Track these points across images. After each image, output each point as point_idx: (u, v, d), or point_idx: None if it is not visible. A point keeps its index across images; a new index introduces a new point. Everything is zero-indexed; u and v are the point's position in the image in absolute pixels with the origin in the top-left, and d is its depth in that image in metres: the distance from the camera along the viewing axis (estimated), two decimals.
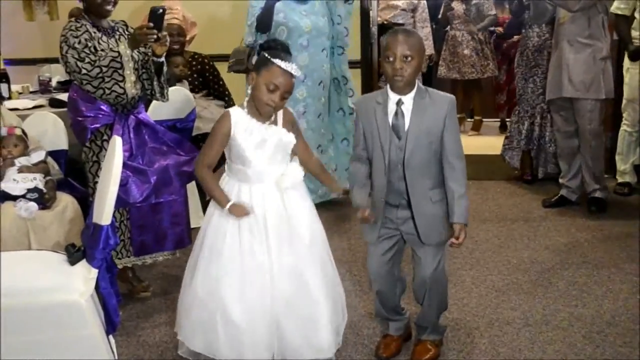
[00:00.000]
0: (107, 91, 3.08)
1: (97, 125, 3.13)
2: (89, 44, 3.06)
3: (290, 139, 2.58)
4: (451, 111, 2.43)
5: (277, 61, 2.45)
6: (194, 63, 4.76)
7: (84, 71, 3.02)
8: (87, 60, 3.02)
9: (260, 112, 2.52)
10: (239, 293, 2.50)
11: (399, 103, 2.43)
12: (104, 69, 3.03)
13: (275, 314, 2.52)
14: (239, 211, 2.51)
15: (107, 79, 3.05)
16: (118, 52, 3.07)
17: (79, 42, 3.04)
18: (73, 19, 3.17)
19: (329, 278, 2.63)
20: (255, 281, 2.51)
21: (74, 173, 3.45)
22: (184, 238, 3.41)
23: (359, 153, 2.58)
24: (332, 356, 2.63)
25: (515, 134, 5.20)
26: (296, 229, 2.56)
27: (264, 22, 4.20)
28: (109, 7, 3.16)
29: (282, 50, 2.51)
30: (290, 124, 2.63)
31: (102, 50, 3.08)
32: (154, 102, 3.73)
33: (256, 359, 2.52)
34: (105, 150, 3.08)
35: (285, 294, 2.52)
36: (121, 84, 3.11)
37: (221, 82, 4.81)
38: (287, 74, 2.46)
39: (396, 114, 2.43)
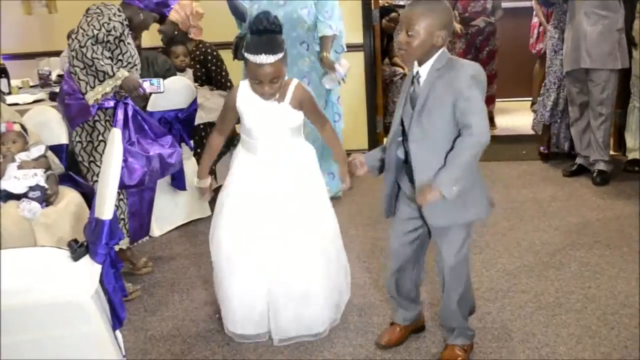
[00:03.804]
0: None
1: (105, 105, 3.24)
2: (116, 32, 3.19)
3: (292, 116, 2.69)
4: (463, 79, 2.24)
5: (249, 56, 2.55)
6: (197, 53, 4.65)
7: (86, 52, 3.14)
8: (95, 47, 3.14)
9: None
10: (234, 264, 2.74)
11: (417, 74, 2.35)
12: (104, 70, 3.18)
13: (266, 288, 2.72)
14: (201, 192, 2.87)
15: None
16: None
17: (108, 25, 3.17)
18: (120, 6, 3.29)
19: (327, 254, 2.77)
20: (243, 250, 2.72)
21: (75, 167, 3.41)
22: (150, 226, 3.62)
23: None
24: (323, 330, 2.80)
25: (540, 108, 5.21)
26: (291, 204, 2.70)
27: (235, 13, 4.11)
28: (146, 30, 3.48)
29: (252, 41, 2.57)
30: (299, 101, 2.70)
31: (127, 51, 3.26)
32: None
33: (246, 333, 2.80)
34: (109, 131, 3.18)
35: (271, 266, 2.70)
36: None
37: (224, 74, 4.67)
38: (262, 66, 2.52)
39: (413, 84, 2.37)
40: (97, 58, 3.14)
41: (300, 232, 2.71)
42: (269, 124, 2.68)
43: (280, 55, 2.53)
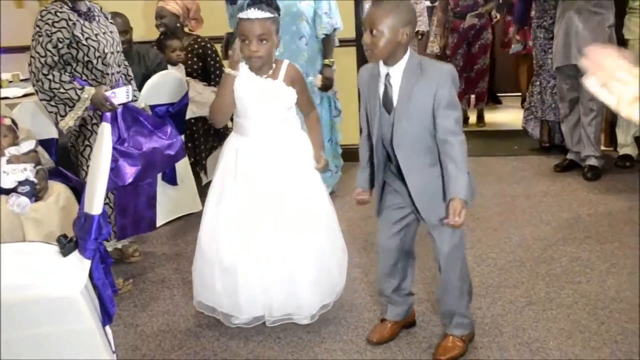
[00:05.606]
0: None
1: (90, 106, 3.11)
2: (63, 42, 3.01)
3: (287, 94, 2.74)
4: (443, 84, 2.26)
5: (240, 16, 2.62)
6: (196, 47, 4.60)
7: (43, 85, 3.03)
8: (49, 76, 3.01)
9: (253, 67, 2.69)
10: (232, 243, 2.72)
11: (387, 77, 2.34)
12: (62, 91, 3.03)
13: (256, 269, 2.71)
14: (232, 64, 2.70)
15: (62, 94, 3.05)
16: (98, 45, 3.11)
17: (51, 42, 3.00)
18: (50, 2, 3.10)
19: (319, 235, 2.78)
20: (238, 231, 2.71)
21: (64, 161, 3.39)
22: (155, 221, 3.53)
23: (363, 127, 2.57)
24: (314, 313, 2.82)
25: (537, 105, 5.22)
26: (282, 184, 2.72)
27: None
28: None
29: (246, 6, 2.65)
30: (291, 79, 2.75)
31: (88, 47, 3.07)
32: (146, 87, 3.69)
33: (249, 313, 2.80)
34: (96, 134, 3.06)
35: (263, 246, 2.71)
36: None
37: (223, 68, 4.64)
38: (248, 21, 2.59)
39: (385, 88, 2.35)
40: (56, 88, 3.02)
41: (292, 213, 2.73)
42: (265, 101, 2.71)
43: (269, 15, 2.61)
